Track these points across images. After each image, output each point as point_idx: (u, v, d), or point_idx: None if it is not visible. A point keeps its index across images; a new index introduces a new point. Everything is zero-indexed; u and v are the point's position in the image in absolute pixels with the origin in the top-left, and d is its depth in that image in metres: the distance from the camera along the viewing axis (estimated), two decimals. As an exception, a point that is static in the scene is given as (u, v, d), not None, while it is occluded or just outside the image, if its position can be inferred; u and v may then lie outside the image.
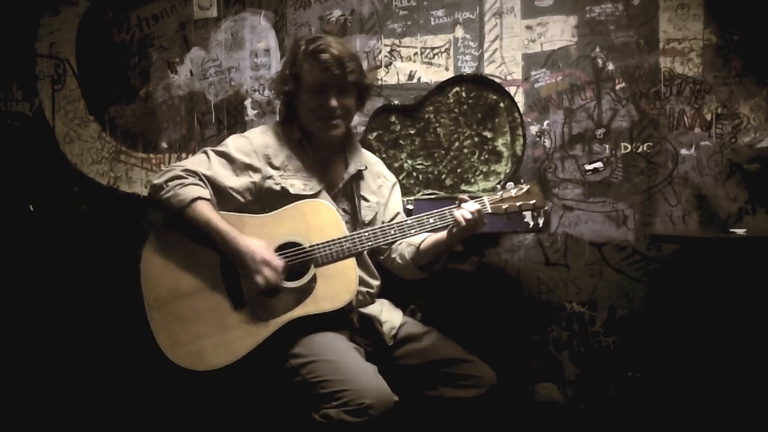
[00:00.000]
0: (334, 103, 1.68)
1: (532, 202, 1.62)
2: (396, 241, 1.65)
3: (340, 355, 1.53)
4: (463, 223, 1.57)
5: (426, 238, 1.73)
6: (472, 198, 1.61)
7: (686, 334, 2.20)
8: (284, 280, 1.58)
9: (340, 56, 1.67)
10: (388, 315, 1.74)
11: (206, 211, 1.57)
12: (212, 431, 2.20)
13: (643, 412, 2.26)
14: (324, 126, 1.70)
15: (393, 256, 1.81)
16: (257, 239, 1.58)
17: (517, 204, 1.62)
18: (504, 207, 1.62)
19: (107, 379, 2.63)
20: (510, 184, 1.64)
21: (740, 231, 1.99)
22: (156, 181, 1.61)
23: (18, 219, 2.79)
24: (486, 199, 1.62)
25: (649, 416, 2.25)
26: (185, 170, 1.62)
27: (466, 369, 1.66)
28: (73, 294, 2.72)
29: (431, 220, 1.62)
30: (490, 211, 1.61)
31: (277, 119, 2.50)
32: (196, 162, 1.66)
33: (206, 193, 1.60)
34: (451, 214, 1.59)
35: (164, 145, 2.69)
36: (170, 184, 1.58)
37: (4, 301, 2.75)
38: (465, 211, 1.57)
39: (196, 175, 1.62)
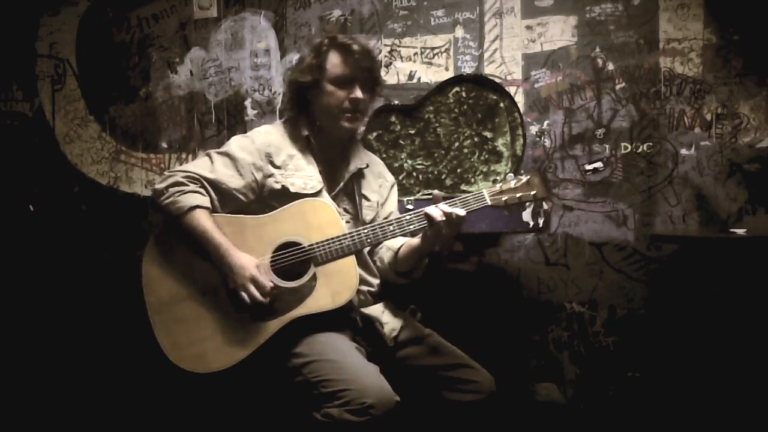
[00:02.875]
0: (360, 95, 1.67)
1: (532, 192, 1.55)
2: (395, 236, 1.64)
3: (341, 355, 1.52)
4: (437, 219, 1.50)
5: (404, 244, 1.72)
6: (470, 193, 1.57)
7: (686, 334, 2.20)
8: (280, 282, 1.58)
9: (369, 50, 1.69)
10: (390, 317, 1.74)
11: (203, 220, 1.57)
12: (214, 431, 2.20)
13: (643, 412, 2.26)
14: (344, 119, 1.68)
15: (374, 259, 1.80)
16: (250, 255, 1.57)
17: (518, 195, 1.55)
18: (504, 199, 1.55)
19: (108, 380, 2.62)
20: (510, 176, 1.58)
21: (740, 231, 1.99)
22: (157, 186, 1.61)
23: (18, 219, 2.79)
24: (485, 191, 1.57)
25: (649, 416, 2.26)
26: (187, 176, 1.61)
27: (466, 374, 1.65)
28: (73, 294, 2.72)
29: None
30: (489, 203, 1.56)
31: (278, 119, 2.51)
32: (199, 166, 1.66)
33: (205, 201, 1.60)
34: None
35: (164, 145, 2.69)
36: (170, 190, 1.59)
37: (4, 300, 2.75)
38: (437, 209, 1.51)
39: (198, 181, 1.62)
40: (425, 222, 1.56)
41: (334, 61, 1.67)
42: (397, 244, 1.72)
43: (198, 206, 1.57)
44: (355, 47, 1.66)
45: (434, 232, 1.55)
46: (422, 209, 1.55)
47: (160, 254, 1.62)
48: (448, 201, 1.55)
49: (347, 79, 1.67)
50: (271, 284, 1.55)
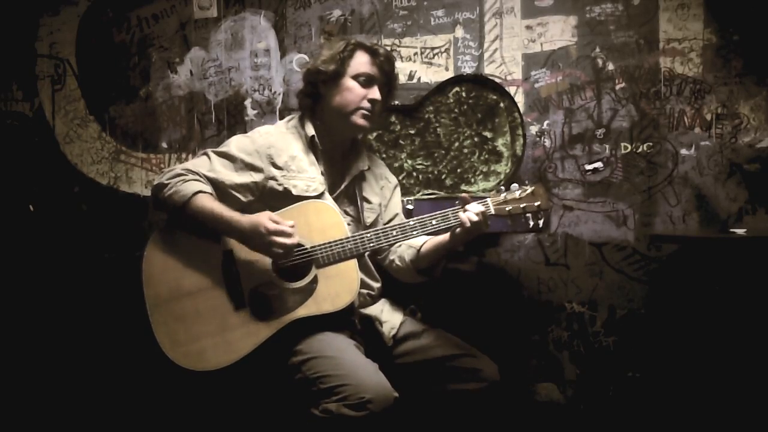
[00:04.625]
0: (379, 96, 1.70)
1: (536, 204, 1.57)
2: (398, 242, 1.65)
3: (340, 352, 1.53)
4: (468, 224, 1.54)
5: (427, 241, 1.72)
6: (475, 199, 1.59)
7: (686, 334, 2.20)
8: (282, 283, 1.58)
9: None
10: (389, 315, 1.74)
11: (208, 202, 1.58)
12: (212, 429, 2.20)
13: (643, 412, 2.26)
14: (359, 116, 1.70)
15: (391, 258, 1.79)
16: (258, 212, 1.58)
17: (521, 206, 1.58)
18: (508, 209, 1.58)
19: (107, 380, 2.62)
20: (514, 186, 1.60)
21: (740, 231, 1.99)
22: (158, 181, 1.63)
23: (18, 219, 2.78)
24: (489, 200, 1.59)
25: (649, 416, 2.25)
26: (186, 169, 1.63)
27: (468, 362, 1.66)
28: (73, 294, 2.72)
29: (434, 222, 1.59)
30: (493, 213, 1.58)
31: (279, 119, 2.51)
32: (198, 163, 1.68)
33: (207, 187, 1.61)
34: (456, 216, 1.57)
35: (164, 145, 2.69)
36: (171, 181, 1.60)
37: (5, 301, 2.75)
38: (470, 213, 1.54)
39: (197, 174, 1.63)
40: (429, 227, 1.58)
41: (360, 60, 1.71)
42: (418, 242, 1.73)
43: (200, 191, 1.58)
44: (381, 51, 1.73)
45: (464, 231, 1.58)
46: (445, 211, 1.59)
47: (161, 251, 1.62)
48: (453, 209, 1.58)
49: (370, 78, 1.70)
50: (291, 224, 1.54)
